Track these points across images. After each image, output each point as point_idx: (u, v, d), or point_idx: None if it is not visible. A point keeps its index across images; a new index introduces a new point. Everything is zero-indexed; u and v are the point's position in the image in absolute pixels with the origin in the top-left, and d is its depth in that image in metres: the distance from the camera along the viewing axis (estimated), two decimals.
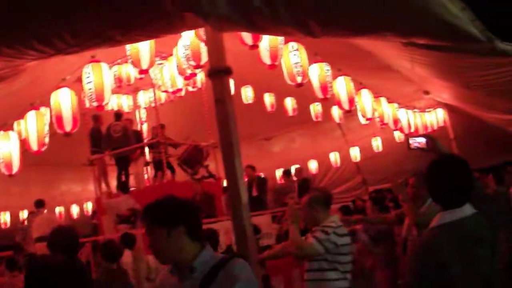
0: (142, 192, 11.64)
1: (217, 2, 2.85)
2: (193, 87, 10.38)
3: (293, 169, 14.18)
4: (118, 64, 9.78)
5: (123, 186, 10.85)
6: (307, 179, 13.68)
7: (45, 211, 11.66)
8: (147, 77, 9.71)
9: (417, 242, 2.79)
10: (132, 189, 12.04)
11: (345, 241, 4.58)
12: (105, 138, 11.77)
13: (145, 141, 12.61)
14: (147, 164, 12.54)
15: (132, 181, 12.58)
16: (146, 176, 12.78)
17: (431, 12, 3.87)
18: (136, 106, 13.01)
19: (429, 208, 5.00)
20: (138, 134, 12.71)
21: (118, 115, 12.07)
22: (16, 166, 7.51)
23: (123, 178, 11.90)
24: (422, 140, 3.91)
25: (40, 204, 11.56)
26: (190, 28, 4.52)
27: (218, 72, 4.54)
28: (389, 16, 3.70)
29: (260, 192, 11.65)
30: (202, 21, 3.11)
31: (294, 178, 13.62)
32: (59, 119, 7.30)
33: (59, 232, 4.36)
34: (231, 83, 9.93)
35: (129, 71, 9.79)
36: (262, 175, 12.97)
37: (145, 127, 13.45)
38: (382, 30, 4.01)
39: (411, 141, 3.93)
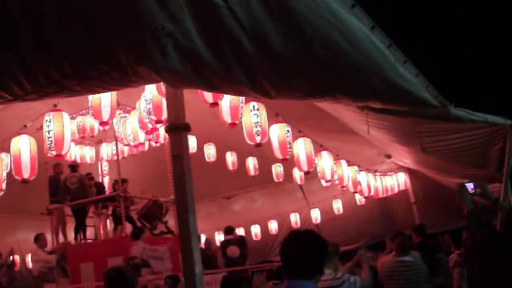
0: (98, 244, 11.54)
1: (169, 56, 2.88)
2: (156, 142, 10.32)
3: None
4: (82, 114, 9.73)
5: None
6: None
7: None
8: (110, 129, 9.68)
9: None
10: (88, 241, 11.91)
11: None
12: (62, 189, 11.62)
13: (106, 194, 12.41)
14: (107, 217, 12.39)
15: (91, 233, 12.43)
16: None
17: (384, 76, 3.99)
18: (98, 158, 12.90)
19: None
20: (101, 186, 12.57)
21: (74, 166, 11.94)
22: None
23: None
24: (472, 186, 4.11)
25: None
26: (147, 82, 4.55)
27: (177, 128, 4.56)
28: (341, 79, 3.80)
29: None
30: (156, 75, 3.14)
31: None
32: (17, 165, 7.27)
33: None
34: (194, 140, 10.17)
35: (92, 122, 9.70)
36: None
37: (106, 180, 13.29)
38: (334, 93, 4.10)
39: None
